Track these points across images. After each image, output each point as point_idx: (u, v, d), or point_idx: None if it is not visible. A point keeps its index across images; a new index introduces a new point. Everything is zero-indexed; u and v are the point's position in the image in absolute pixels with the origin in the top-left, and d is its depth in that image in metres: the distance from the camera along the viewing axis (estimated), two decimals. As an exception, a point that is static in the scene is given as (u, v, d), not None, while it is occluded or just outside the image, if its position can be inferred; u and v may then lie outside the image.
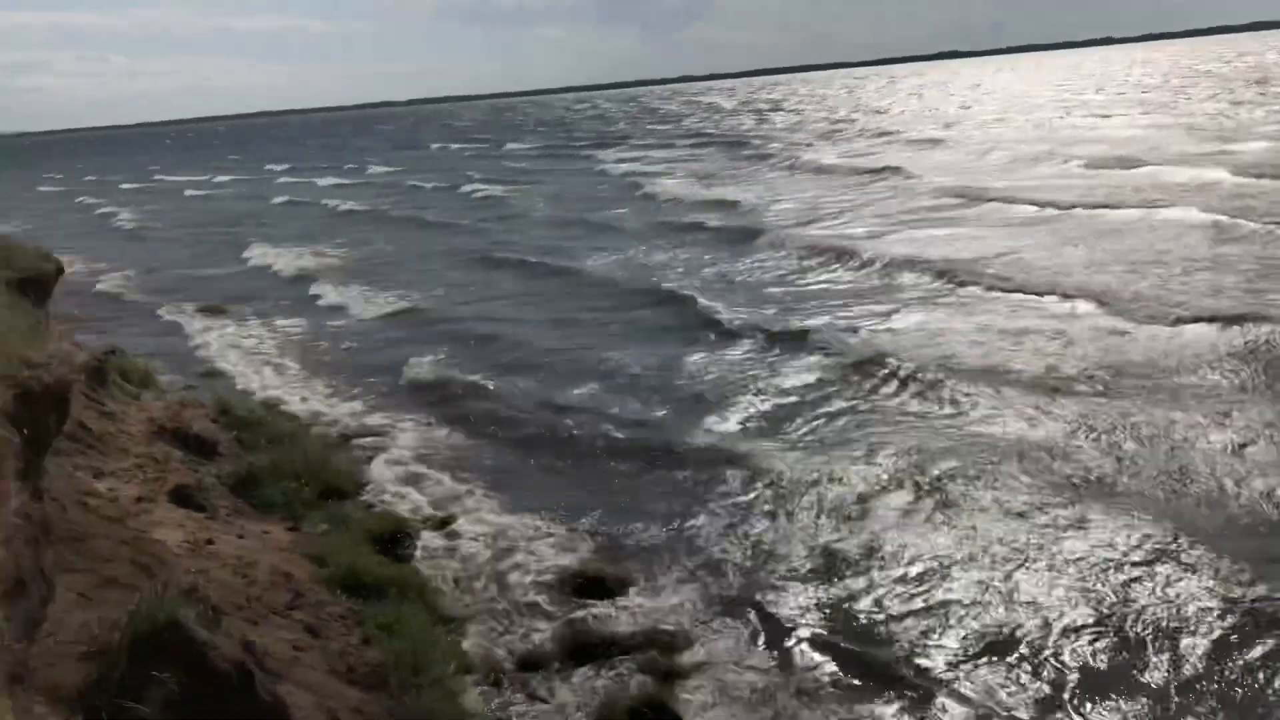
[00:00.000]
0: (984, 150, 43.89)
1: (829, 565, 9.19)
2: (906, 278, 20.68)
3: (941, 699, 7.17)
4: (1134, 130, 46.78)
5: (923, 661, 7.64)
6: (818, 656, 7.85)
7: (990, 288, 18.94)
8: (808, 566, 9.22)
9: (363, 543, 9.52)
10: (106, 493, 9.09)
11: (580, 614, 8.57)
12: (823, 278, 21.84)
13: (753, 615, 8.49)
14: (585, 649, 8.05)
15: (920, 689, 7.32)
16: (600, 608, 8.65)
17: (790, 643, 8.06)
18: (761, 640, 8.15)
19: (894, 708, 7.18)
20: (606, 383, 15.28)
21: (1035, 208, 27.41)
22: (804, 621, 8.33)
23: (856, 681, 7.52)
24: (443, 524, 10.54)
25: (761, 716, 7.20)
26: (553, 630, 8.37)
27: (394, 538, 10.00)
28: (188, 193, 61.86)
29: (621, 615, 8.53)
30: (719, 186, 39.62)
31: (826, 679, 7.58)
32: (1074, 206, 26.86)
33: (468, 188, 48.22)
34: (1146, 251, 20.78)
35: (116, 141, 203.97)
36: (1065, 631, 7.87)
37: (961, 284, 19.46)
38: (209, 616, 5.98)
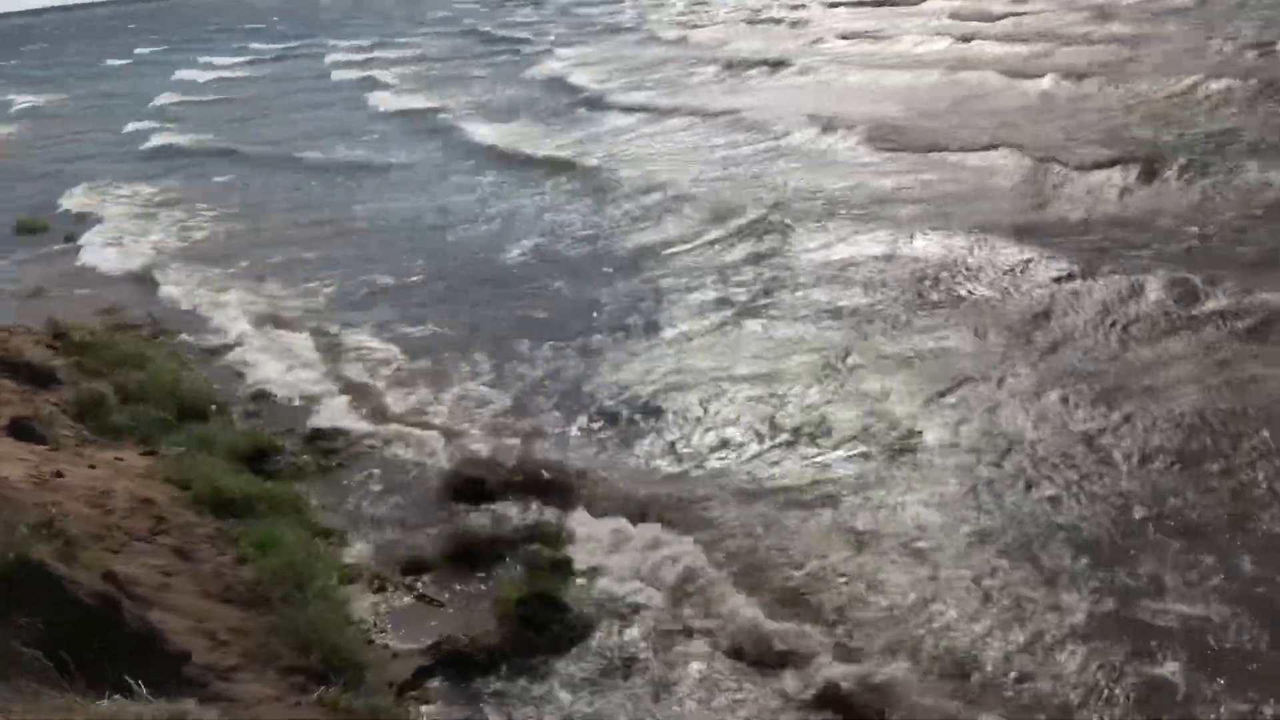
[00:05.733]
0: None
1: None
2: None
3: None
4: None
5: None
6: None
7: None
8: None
9: (226, 461, 9.13)
10: (-67, 431, 8.44)
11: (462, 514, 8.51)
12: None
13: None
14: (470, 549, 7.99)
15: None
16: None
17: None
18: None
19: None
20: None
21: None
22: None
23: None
24: (314, 437, 10.24)
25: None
26: (436, 532, 8.28)
27: (260, 453, 9.63)
28: None
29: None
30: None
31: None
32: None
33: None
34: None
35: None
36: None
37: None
38: (64, 550, 5.72)
